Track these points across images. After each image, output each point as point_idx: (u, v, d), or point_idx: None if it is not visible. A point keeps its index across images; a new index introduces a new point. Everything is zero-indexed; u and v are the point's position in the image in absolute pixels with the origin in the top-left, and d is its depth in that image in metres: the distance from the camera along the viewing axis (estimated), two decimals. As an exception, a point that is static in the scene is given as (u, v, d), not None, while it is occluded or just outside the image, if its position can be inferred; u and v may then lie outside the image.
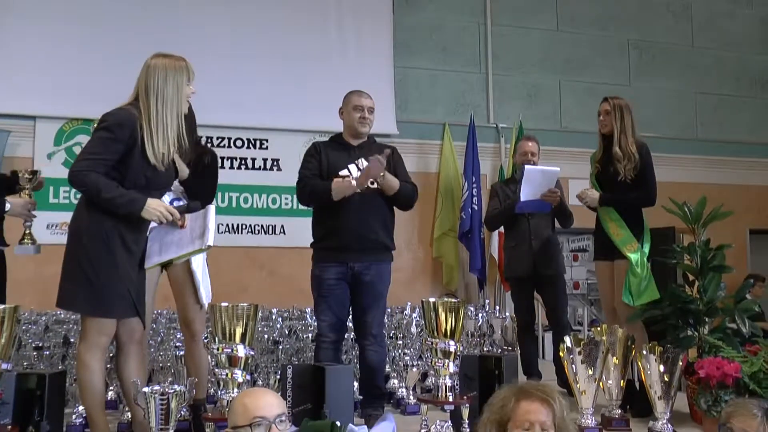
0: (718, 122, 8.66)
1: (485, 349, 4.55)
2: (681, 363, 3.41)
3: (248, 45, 7.15)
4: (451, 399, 3.04)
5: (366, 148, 3.82)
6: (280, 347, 4.31)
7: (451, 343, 3.05)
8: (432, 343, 3.08)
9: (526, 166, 4.58)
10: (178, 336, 4.22)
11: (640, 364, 3.48)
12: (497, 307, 6.47)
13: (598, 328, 3.75)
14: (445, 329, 3.06)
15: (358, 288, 3.70)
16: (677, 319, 3.90)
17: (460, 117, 7.74)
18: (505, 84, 8.06)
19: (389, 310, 5.46)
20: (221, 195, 6.77)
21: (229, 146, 7.04)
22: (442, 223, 7.52)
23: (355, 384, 3.89)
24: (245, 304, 2.86)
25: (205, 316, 3.37)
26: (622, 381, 3.62)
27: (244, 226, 7.05)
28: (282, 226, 7.02)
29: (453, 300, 3.12)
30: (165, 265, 3.39)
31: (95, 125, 2.87)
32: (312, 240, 3.86)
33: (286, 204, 7.09)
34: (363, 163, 3.71)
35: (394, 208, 3.89)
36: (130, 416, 3.32)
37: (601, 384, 3.50)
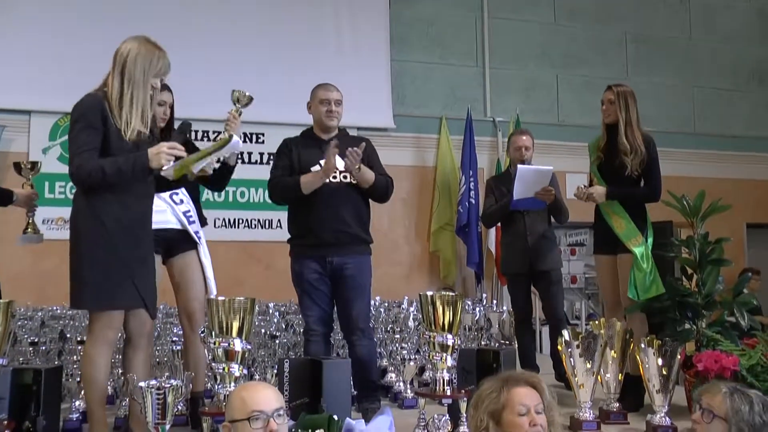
0: (716, 116, 8.66)
1: (482, 342, 4.55)
2: (679, 356, 3.41)
3: (244, 39, 7.12)
4: (448, 393, 3.04)
5: (340, 140, 3.76)
6: (277, 341, 4.30)
7: (449, 336, 3.04)
8: (430, 336, 3.07)
9: (519, 166, 4.55)
10: (175, 330, 4.21)
11: (638, 357, 3.48)
12: (494, 301, 6.48)
13: (596, 322, 3.74)
14: (443, 323, 3.05)
15: (339, 282, 3.69)
16: (675, 313, 3.89)
17: (457, 111, 7.72)
18: (502, 78, 8.05)
19: (386, 303, 5.47)
20: (218, 189, 6.76)
21: (225, 140, 7.02)
22: (440, 217, 7.51)
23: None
24: (242, 298, 2.85)
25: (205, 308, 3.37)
26: (620, 374, 3.61)
27: (240, 221, 7.04)
28: (279, 221, 7.00)
29: (451, 293, 3.11)
30: (165, 257, 3.41)
31: (69, 121, 2.89)
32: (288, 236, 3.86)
33: (283, 198, 7.07)
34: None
35: (370, 201, 3.87)
36: (127, 411, 3.31)
37: (599, 377, 3.50)
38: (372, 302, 4.98)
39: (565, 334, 3.49)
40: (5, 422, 2.77)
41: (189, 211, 3.45)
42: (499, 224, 5.09)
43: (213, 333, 2.84)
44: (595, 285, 7.70)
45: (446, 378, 3.05)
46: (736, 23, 8.92)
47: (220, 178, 3.56)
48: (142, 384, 2.43)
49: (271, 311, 5.10)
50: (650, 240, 3.97)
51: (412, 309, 5.06)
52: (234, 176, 3.75)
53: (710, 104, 8.67)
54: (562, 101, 8.18)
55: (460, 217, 7.30)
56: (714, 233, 4.03)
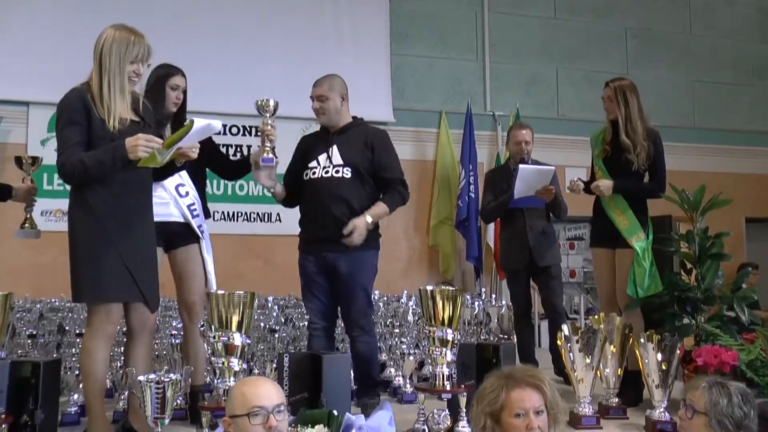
0: (716, 111, 8.65)
1: (482, 337, 4.54)
2: (679, 351, 3.41)
3: (243, 32, 7.08)
4: (448, 387, 3.03)
5: (345, 133, 3.73)
6: (277, 335, 4.28)
7: (449, 331, 3.03)
8: (429, 331, 3.06)
9: (521, 166, 4.50)
10: (174, 324, 4.20)
11: (638, 352, 3.48)
12: (494, 296, 6.46)
13: (596, 317, 3.73)
14: (443, 317, 3.03)
15: (336, 279, 3.65)
16: (675, 307, 3.89)
17: (457, 105, 7.70)
18: (502, 72, 8.02)
19: (385, 298, 5.45)
20: (216, 183, 6.73)
21: (225, 133, 6.99)
22: (439, 211, 7.50)
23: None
24: (241, 292, 2.84)
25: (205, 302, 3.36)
26: (619, 369, 3.61)
27: (239, 214, 7.02)
28: (278, 214, 6.98)
29: (451, 288, 3.10)
30: (167, 250, 3.40)
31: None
32: None
33: (282, 192, 7.05)
34: (334, 151, 3.67)
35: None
36: (126, 404, 3.31)
37: (598, 372, 3.49)
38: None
39: (565, 329, 3.48)
40: (3, 415, 2.76)
41: (193, 204, 3.44)
42: (498, 219, 5.07)
43: (213, 327, 2.83)
44: (593, 279, 7.69)
45: (446, 373, 3.04)
46: (737, 18, 8.90)
47: (237, 170, 3.77)
48: (141, 378, 2.43)
49: (270, 305, 5.08)
50: (651, 236, 3.96)
51: (411, 303, 5.05)
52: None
53: (710, 99, 8.65)
54: (562, 96, 8.17)
55: (459, 212, 7.29)
56: (713, 228, 4.02)
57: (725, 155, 8.45)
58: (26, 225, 3.57)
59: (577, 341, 3.41)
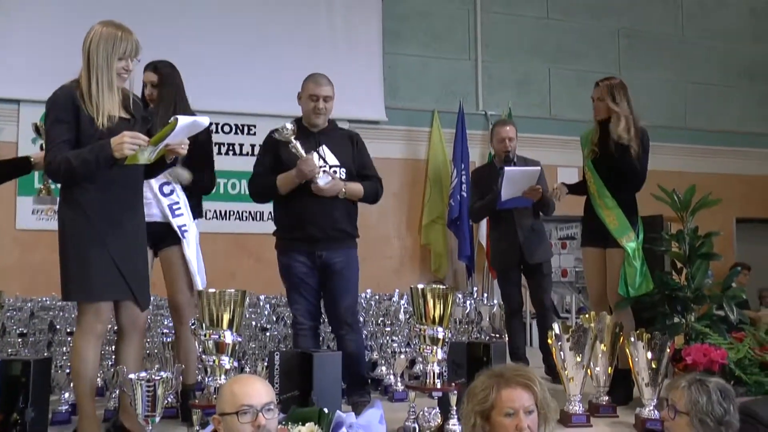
0: (707, 111, 8.69)
1: (473, 336, 4.55)
2: (668, 350, 3.43)
3: (237, 31, 7.07)
4: (439, 386, 3.04)
5: (327, 134, 3.75)
6: (268, 334, 4.29)
7: (440, 329, 3.04)
8: (420, 329, 3.07)
9: (506, 168, 4.49)
10: (165, 323, 4.19)
11: (628, 351, 3.50)
12: (485, 294, 6.48)
13: (587, 316, 3.75)
14: (434, 316, 3.04)
15: (328, 277, 3.67)
16: (665, 306, 3.91)
17: (449, 104, 7.71)
18: (494, 71, 8.04)
19: (376, 296, 5.46)
20: (209, 181, 6.72)
21: (217, 132, 6.97)
22: (431, 210, 7.51)
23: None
24: (232, 291, 2.84)
25: (194, 301, 3.35)
26: (609, 368, 3.63)
27: (231, 213, 7.01)
28: (269, 213, 6.88)
29: (442, 286, 3.11)
30: (157, 250, 3.38)
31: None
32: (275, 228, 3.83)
33: (274, 190, 7.05)
34: (324, 150, 3.67)
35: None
36: (117, 403, 3.30)
37: (588, 371, 3.51)
38: (362, 295, 4.98)
39: (556, 327, 3.49)
40: (-7, 414, 2.76)
41: (177, 203, 3.38)
42: (488, 218, 5.08)
43: (203, 325, 2.83)
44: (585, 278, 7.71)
45: (436, 371, 3.05)
46: (729, 20, 8.94)
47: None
48: (132, 376, 2.43)
49: (261, 303, 5.08)
50: (641, 236, 3.97)
51: (402, 302, 5.06)
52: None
53: (702, 99, 8.69)
54: (554, 95, 8.19)
55: (451, 211, 7.30)
56: (703, 227, 4.03)
57: (716, 156, 8.50)
58: (43, 192, 3.53)
59: (568, 340, 3.42)
